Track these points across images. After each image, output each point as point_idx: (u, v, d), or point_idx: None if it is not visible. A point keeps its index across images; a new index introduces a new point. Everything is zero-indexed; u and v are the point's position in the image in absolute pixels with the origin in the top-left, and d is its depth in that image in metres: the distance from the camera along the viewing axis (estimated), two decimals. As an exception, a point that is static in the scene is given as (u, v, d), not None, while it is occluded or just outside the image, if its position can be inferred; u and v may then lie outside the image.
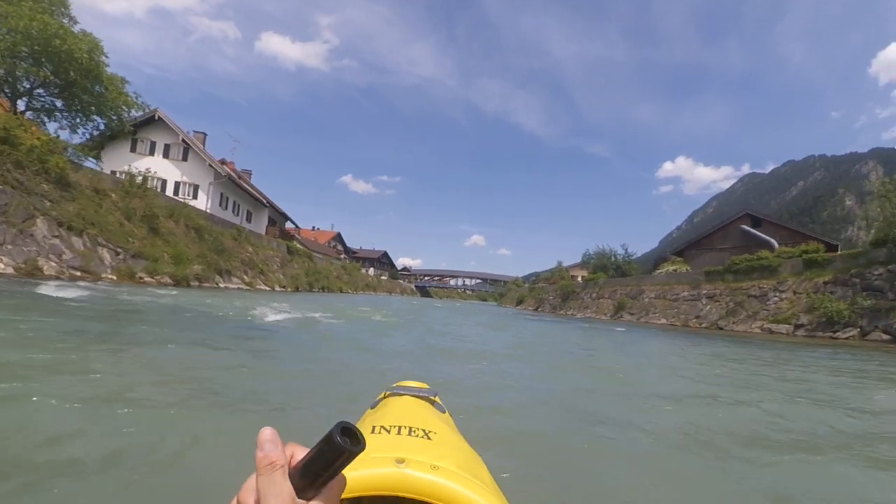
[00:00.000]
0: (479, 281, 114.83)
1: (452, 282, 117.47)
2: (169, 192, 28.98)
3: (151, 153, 29.72)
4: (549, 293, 48.53)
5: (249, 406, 3.08)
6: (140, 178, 19.83)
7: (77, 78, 17.20)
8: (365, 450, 0.50)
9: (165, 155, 29.75)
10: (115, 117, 19.88)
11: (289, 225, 51.02)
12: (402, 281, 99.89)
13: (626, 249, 49.79)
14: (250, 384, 3.75)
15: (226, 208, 31.48)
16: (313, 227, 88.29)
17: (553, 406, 4.17)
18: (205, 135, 34.49)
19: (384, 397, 1.11)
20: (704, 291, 24.62)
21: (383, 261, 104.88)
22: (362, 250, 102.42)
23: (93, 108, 19.12)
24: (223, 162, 38.76)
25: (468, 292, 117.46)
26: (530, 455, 2.63)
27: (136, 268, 13.88)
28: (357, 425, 0.82)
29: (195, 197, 29.18)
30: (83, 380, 3.13)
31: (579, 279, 58.14)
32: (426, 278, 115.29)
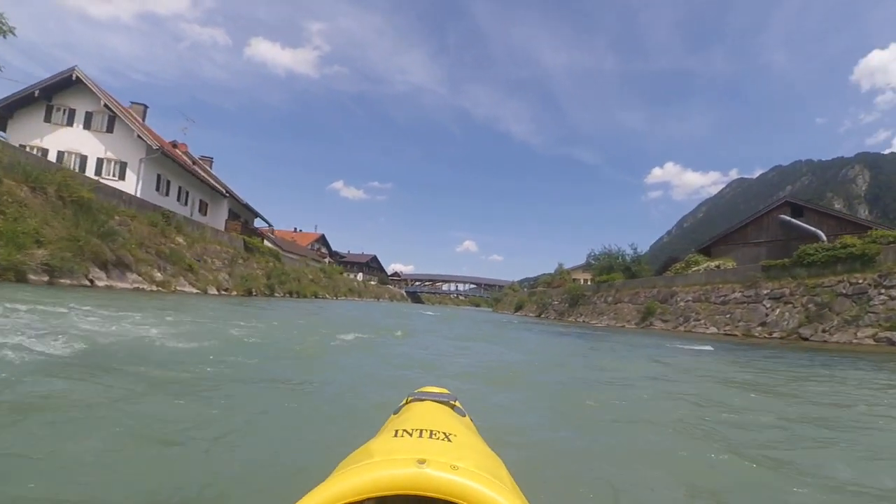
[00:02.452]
0: (472, 286, 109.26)
1: (445, 287, 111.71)
2: (90, 171, 23.17)
3: (70, 123, 23.92)
4: (554, 297, 43.08)
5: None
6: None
7: None
8: (389, 451, 0.66)
9: (87, 125, 23.95)
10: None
11: (262, 225, 45.20)
12: (391, 286, 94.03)
13: (636, 249, 44.69)
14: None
15: (165, 193, 25.66)
16: (295, 229, 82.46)
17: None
18: (145, 107, 28.71)
19: (406, 403, 1.13)
20: (766, 291, 19.23)
21: (372, 265, 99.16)
22: (350, 254, 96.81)
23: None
24: (174, 145, 32.99)
25: (461, 298, 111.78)
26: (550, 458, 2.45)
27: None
28: (381, 429, 0.95)
29: (121, 177, 23.39)
30: None
31: (581, 282, 52.99)
32: (417, 283, 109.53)
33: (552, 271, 65.31)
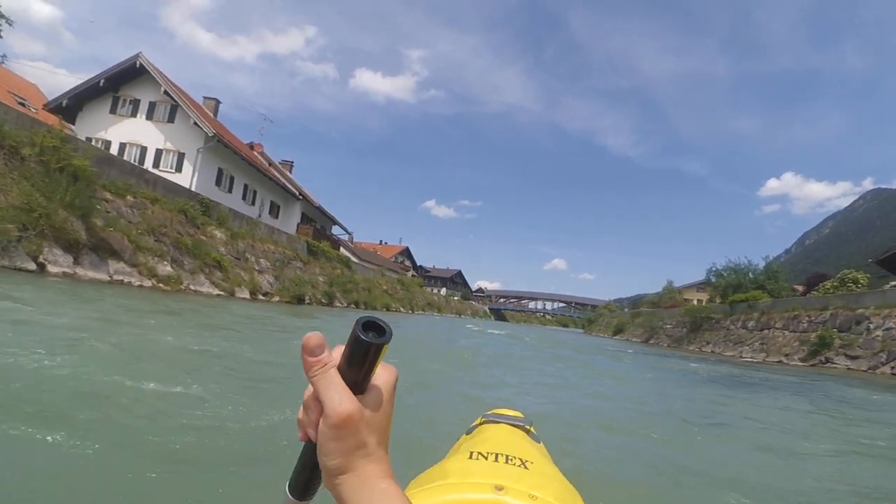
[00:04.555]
0: (562, 304, 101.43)
1: (531, 305, 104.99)
2: (148, 162, 21.52)
3: (134, 114, 22.57)
4: (666, 320, 35.84)
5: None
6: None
7: None
8: (465, 474, 0.66)
9: (149, 116, 22.45)
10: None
11: (341, 234, 43.12)
12: (473, 302, 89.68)
13: (770, 262, 36.26)
14: None
15: (228, 190, 23.49)
16: (380, 241, 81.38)
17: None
18: (216, 101, 27.28)
19: (480, 423, 1.09)
20: None
21: (456, 280, 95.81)
22: (435, 269, 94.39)
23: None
24: (251, 146, 31.55)
25: (548, 317, 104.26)
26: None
27: None
28: (453, 449, 0.92)
29: (178, 169, 21.42)
30: None
31: (695, 302, 44.71)
32: (502, 300, 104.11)
33: (650, 291, 57.04)
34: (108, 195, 12.06)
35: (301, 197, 31.56)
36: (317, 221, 34.79)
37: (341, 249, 39.00)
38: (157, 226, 12.89)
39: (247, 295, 14.68)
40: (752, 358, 21.26)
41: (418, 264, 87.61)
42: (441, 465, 0.73)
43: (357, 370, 0.39)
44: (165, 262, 12.24)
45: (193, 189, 19.68)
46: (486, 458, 0.73)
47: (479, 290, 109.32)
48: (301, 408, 0.41)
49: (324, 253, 26.54)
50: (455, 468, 0.70)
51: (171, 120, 22.07)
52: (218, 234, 15.71)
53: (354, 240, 60.03)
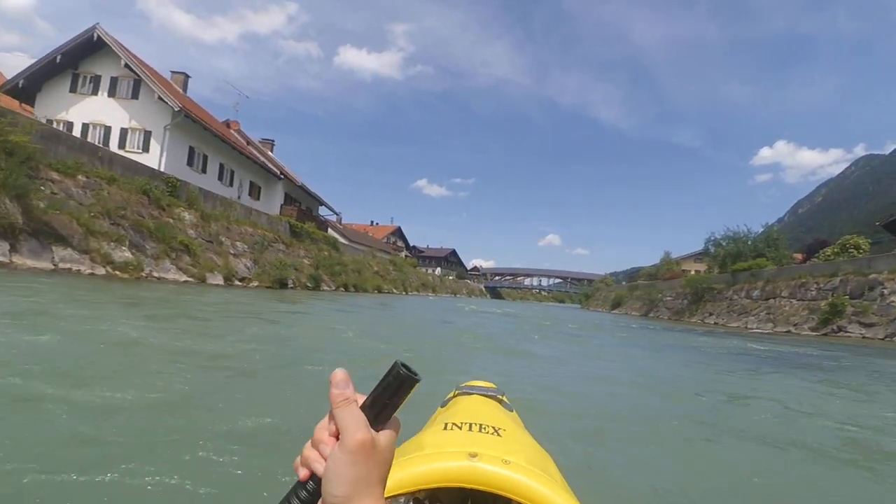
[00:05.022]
0: (558, 280, 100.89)
1: (527, 281, 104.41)
2: (113, 144, 20.02)
3: (95, 92, 20.95)
4: (666, 292, 35.07)
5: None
6: None
7: None
8: (440, 444, 0.68)
9: (112, 93, 20.85)
10: None
11: (329, 215, 41.71)
12: (469, 281, 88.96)
13: (771, 230, 35.44)
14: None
15: (201, 170, 22.05)
16: (371, 222, 79.85)
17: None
18: (185, 76, 25.55)
19: (454, 396, 1.13)
20: None
21: (451, 259, 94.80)
22: (429, 249, 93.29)
23: None
24: (227, 124, 29.92)
25: (544, 293, 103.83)
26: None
27: None
28: (429, 422, 0.96)
29: (145, 149, 19.95)
30: None
31: (692, 273, 44.04)
32: (497, 278, 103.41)
33: (645, 264, 56.19)
34: (54, 175, 10.76)
35: (283, 176, 30.09)
36: (301, 202, 33.42)
37: (329, 231, 37.73)
38: (113, 208, 11.60)
39: (220, 281, 13.49)
40: (758, 328, 20.46)
41: (412, 245, 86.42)
42: (417, 438, 0.76)
43: (384, 405, 0.42)
44: (123, 248, 11.00)
45: (162, 169, 18.27)
46: (459, 428, 0.75)
47: (475, 268, 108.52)
48: (307, 446, 0.43)
49: (309, 234, 25.28)
50: (430, 439, 0.71)
51: (134, 96, 20.49)
52: (187, 216, 14.44)
53: (343, 221, 58.73)
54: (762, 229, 33.93)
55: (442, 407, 1.10)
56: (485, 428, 0.75)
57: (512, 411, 1.07)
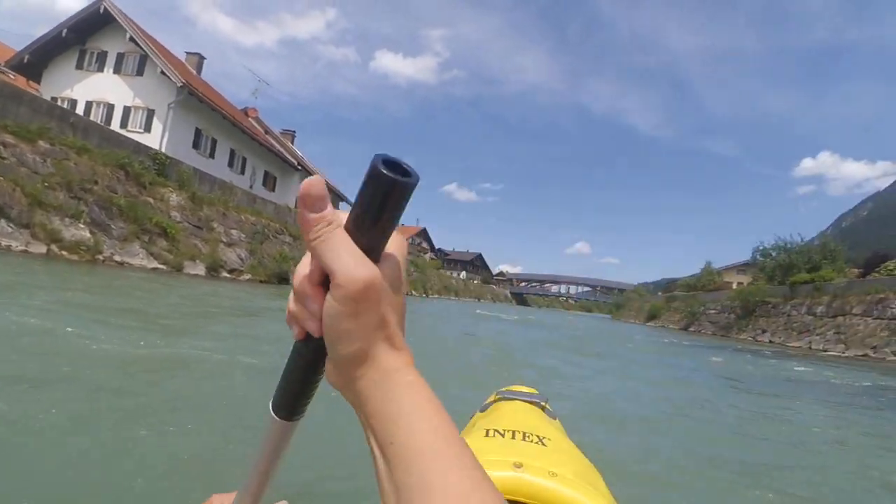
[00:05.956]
0: (587, 288, 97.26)
1: (554, 289, 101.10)
2: (115, 123, 18.84)
3: (101, 69, 19.84)
4: (709, 305, 32.01)
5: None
6: None
7: None
8: (482, 452, 0.60)
9: (117, 69, 19.69)
10: None
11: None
12: (494, 286, 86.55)
13: (828, 241, 31.99)
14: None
15: (208, 154, 20.66)
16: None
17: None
18: (200, 56, 24.35)
19: (494, 401, 1.02)
20: None
21: (476, 263, 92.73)
22: (455, 252, 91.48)
23: None
24: (245, 112, 28.66)
25: (571, 301, 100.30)
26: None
27: None
28: (468, 427, 0.85)
29: (147, 128, 18.66)
30: None
31: (734, 285, 40.64)
32: (524, 284, 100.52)
33: (678, 275, 52.54)
34: (7, 137, 9.23)
35: (300, 167, 28.63)
36: (320, 196, 31.92)
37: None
38: (78, 180, 10.04)
39: (201, 271, 11.80)
40: (826, 350, 17.62)
41: (437, 247, 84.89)
42: None
43: (372, 226, 0.29)
44: (80, 225, 9.39)
45: (163, 150, 16.87)
46: (502, 436, 0.70)
47: (501, 273, 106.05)
48: (291, 299, 0.32)
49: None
50: (472, 446, 0.51)
51: (139, 73, 19.26)
52: (174, 197, 12.85)
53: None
54: (815, 239, 30.70)
55: (481, 412, 0.98)
56: (529, 436, 0.68)
57: (555, 419, 0.96)
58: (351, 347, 0.29)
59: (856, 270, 32.58)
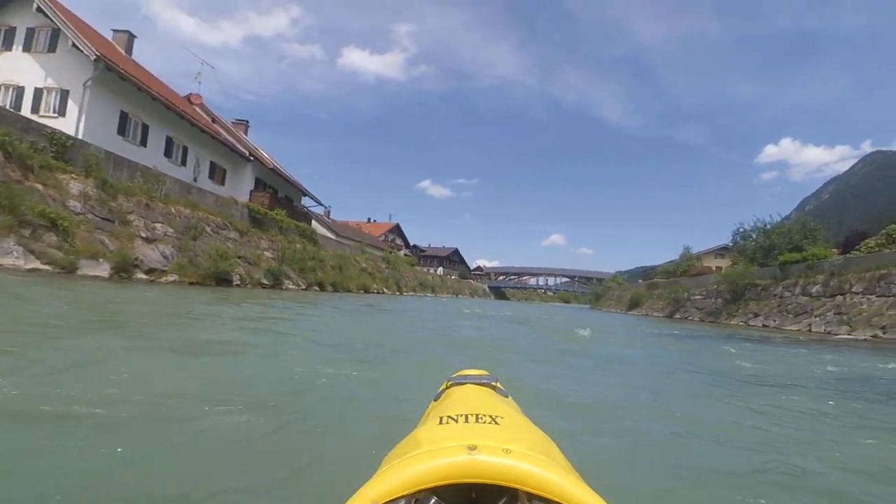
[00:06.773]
0: (565, 279, 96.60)
1: (532, 281, 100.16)
2: (26, 107, 16.21)
3: (9, 47, 17.12)
4: (693, 290, 30.87)
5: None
6: None
7: None
8: (437, 440, 0.64)
9: (27, 46, 17.00)
10: None
11: (316, 208, 37.72)
12: (472, 281, 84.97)
13: (808, 221, 31.14)
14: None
15: (139, 142, 18.13)
16: (368, 219, 76.00)
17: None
18: (129, 34, 21.64)
19: (446, 388, 1.09)
20: None
21: (453, 259, 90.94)
22: (430, 248, 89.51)
23: None
24: (189, 99, 25.96)
25: (550, 293, 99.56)
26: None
27: None
28: (423, 418, 0.90)
29: (62, 112, 16.07)
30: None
31: (713, 269, 39.93)
32: (501, 278, 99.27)
33: (652, 263, 51.82)
34: None
35: (252, 158, 26.14)
36: (279, 190, 29.52)
37: (313, 224, 33.81)
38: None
39: (104, 272, 9.53)
40: (826, 331, 16.34)
41: (413, 244, 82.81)
42: (413, 436, 0.72)
43: None
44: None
45: (81, 137, 14.39)
46: (455, 421, 0.72)
47: (478, 268, 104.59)
48: None
49: (276, 223, 21.31)
50: (426, 436, 0.68)
51: (52, 49, 16.62)
52: (74, 184, 10.50)
53: (337, 217, 54.85)
54: (790, 219, 29.97)
55: (435, 401, 1.03)
56: (482, 418, 0.71)
57: (507, 397, 1.00)
58: None
59: (835, 250, 32.04)
